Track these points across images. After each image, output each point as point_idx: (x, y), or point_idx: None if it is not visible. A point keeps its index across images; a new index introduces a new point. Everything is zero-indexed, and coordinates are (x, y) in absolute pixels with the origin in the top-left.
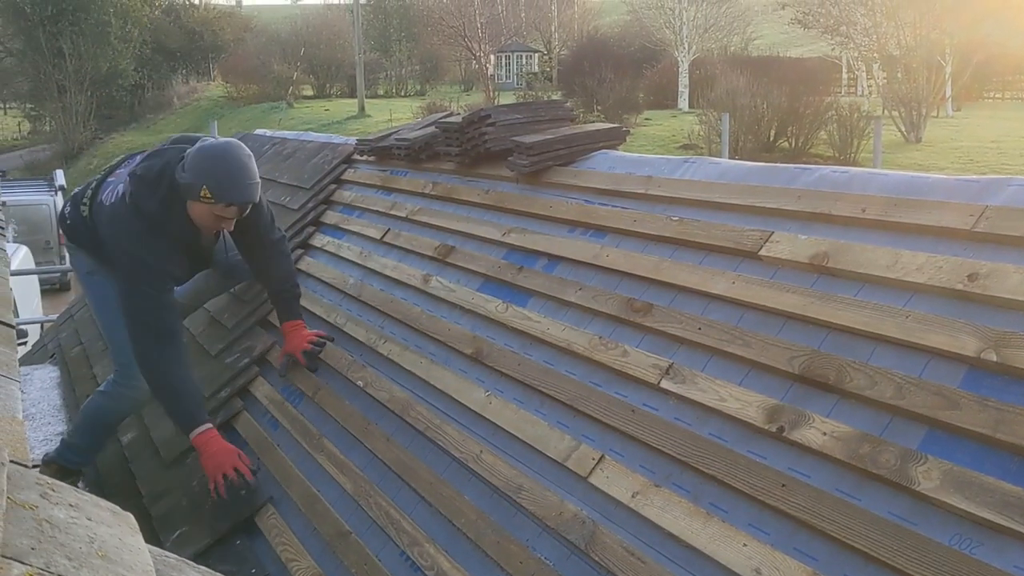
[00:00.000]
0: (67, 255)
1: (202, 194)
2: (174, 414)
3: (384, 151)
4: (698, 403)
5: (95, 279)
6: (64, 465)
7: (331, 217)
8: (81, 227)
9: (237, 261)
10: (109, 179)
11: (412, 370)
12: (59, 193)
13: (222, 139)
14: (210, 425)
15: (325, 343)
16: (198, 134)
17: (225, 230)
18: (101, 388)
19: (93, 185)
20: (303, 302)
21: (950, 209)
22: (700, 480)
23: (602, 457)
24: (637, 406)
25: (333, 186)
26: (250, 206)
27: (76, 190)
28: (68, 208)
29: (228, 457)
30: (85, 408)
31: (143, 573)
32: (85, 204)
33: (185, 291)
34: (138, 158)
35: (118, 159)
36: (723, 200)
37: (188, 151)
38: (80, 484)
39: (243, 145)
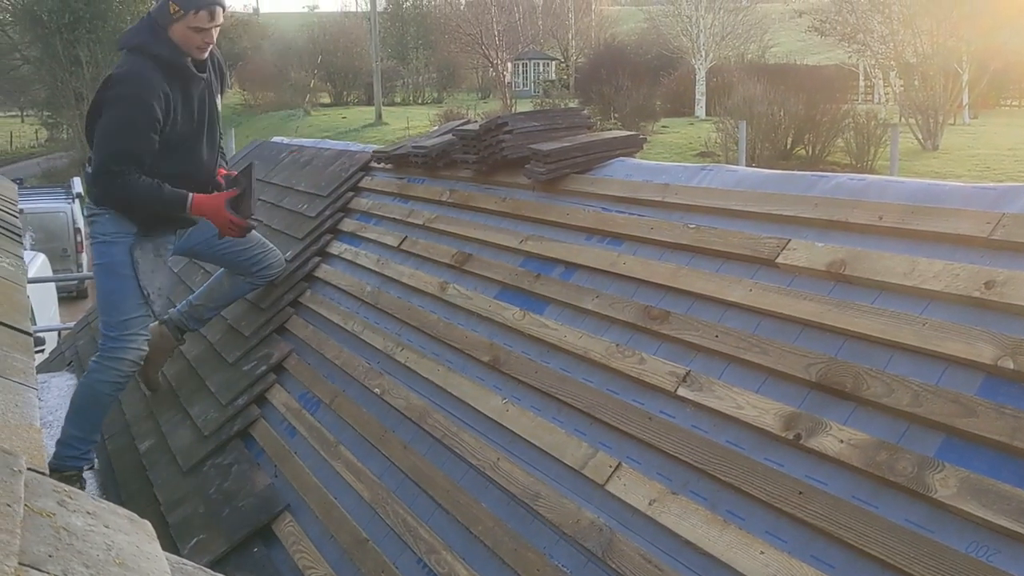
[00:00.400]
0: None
1: (172, 11)
2: (165, 203)
3: (401, 159)
4: (715, 411)
5: (113, 248)
6: (63, 468)
7: (348, 225)
8: None
9: (252, 262)
10: None
11: (429, 377)
12: (76, 201)
13: None
14: (189, 193)
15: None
16: None
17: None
18: (87, 371)
19: None
20: (320, 309)
21: (967, 217)
22: (717, 488)
23: (619, 465)
24: (654, 414)
25: (350, 194)
26: (221, 13)
27: None
28: (87, 161)
29: (218, 201)
30: (74, 395)
31: None
32: None
33: (199, 295)
34: None
35: None
36: (740, 208)
37: None
38: (94, 489)
39: None
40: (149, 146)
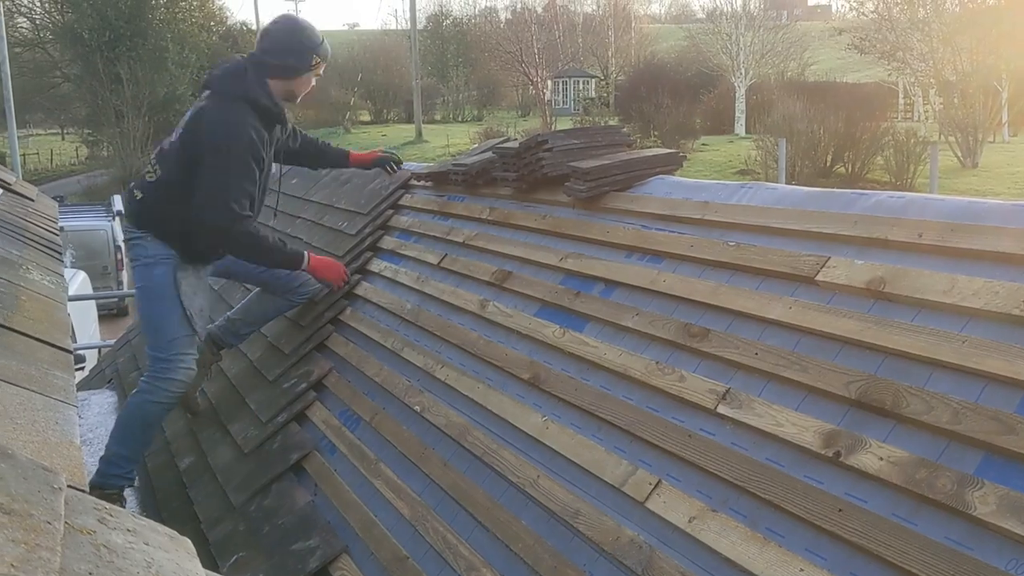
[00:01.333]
0: (126, 265)
1: (314, 63)
2: (283, 260)
3: (441, 176)
4: (755, 428)
5: (155, 271)
6: (105, 487)
7: (388, 242)
8: (152, 194)
9: (289, 280)
10: (162, 140)
11: (469, 395)
12: (117, 218)
13: (279, 16)
14: (307, 252)
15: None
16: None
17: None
18: (135, 390)
19: (153, 159)
20: (360, 327)
21: (1007, 234)
22: (757, 505)
23: (659, 482)
24: (694, 431)
25: (390, 211)
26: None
27: (135, 181)
28: (133, 189)
29: (337, 267)
30: (121, 414)
31: None
32: (151, 171)
33: (237, 310)
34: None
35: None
36: (780, 225)
37: (257, 45)
38: (134, 507)
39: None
40: (255, 189)
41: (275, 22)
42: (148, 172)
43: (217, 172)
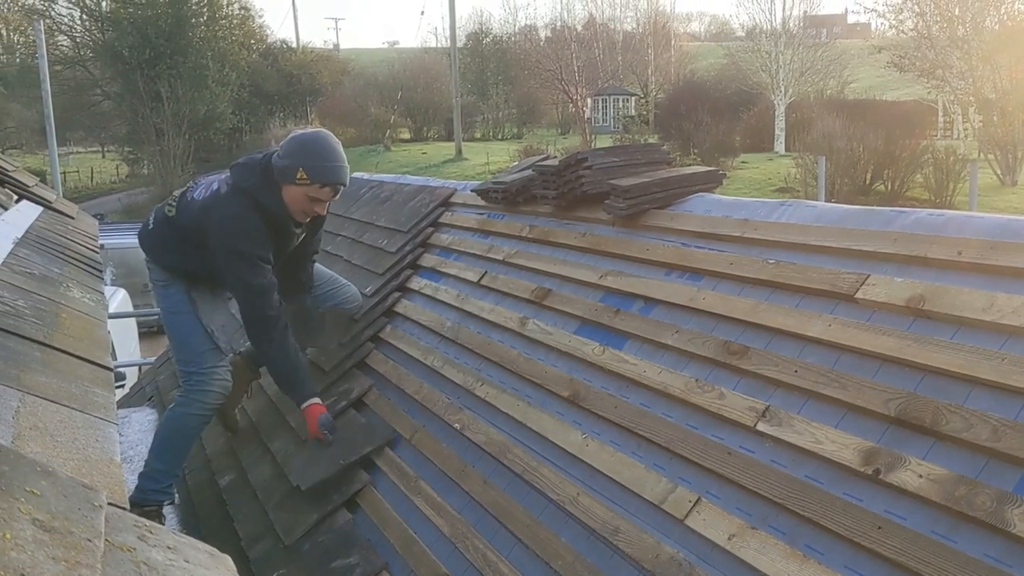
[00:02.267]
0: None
1: (298, 176)
2: (291, 387)
3: (481, 194)
4: (794, 445)
5: (170, 290)
6: (144, 503)
7: (428, 260)
8: (164, 231)
9: (323, 299)
10: (199, 181)
11: (509, 412)
12: None
13: (313, 128)
14: (318, 400)
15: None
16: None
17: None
18: (172, 405)
19: (178, 193)
20: (400, 344)
21: None
22: (796, 522)
23: (699, 499)
24: (733, 448)
25: (430, 229)
26: (341, 189)
27: (158, 205)
28: (151, 217)
29: (314, 419)
30: (159, 429)
31: None
32: (172, 205)
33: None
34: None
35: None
36: (819, 243)
37: (283, 141)
38: (174, 524)
39: (332, 134)
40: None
41: (306, 132)
42: (168, 206)
43: (239, 281)
